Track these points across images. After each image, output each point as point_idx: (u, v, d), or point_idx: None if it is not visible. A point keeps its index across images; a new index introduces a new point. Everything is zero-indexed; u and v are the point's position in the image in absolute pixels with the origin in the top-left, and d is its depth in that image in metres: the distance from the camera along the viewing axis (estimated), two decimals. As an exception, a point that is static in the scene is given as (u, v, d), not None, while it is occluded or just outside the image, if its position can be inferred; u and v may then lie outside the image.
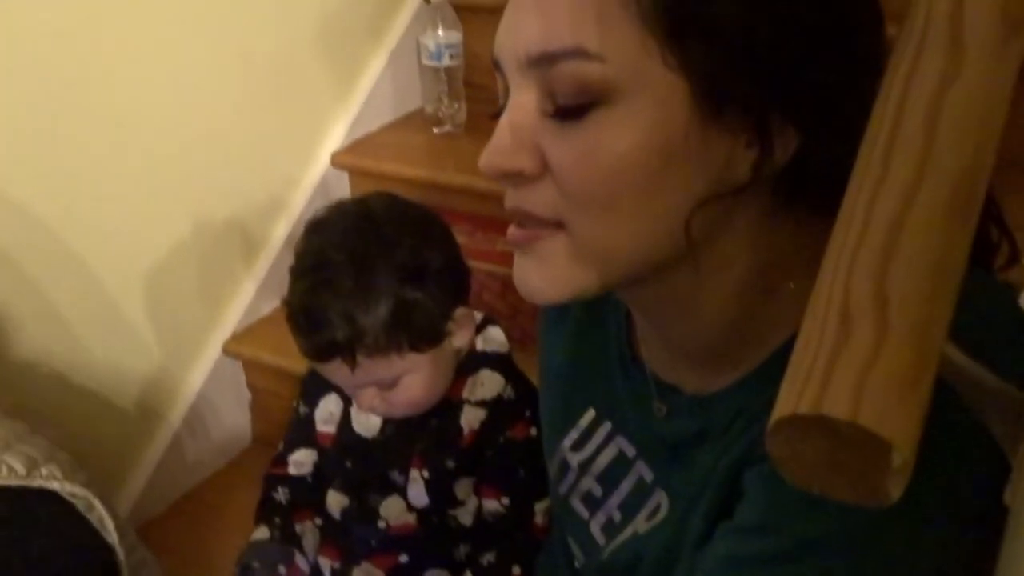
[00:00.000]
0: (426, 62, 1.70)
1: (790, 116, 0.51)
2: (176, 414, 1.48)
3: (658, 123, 0.50)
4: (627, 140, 0.51)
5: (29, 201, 1.20)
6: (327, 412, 1.12)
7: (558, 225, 0.54)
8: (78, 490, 0.88)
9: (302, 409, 1.14)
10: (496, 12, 1.80)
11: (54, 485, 0.86)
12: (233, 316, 1.54)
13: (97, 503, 0.90)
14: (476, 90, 1.74)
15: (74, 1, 1.20)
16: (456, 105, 1.73)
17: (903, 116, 0.40)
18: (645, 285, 0.58)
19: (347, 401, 1.10)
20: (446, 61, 1.68)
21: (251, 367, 1.59)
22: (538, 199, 0.54)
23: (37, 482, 0.85)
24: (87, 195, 1.27)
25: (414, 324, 0.96)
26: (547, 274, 0.56)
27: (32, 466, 0.85)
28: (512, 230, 0.57)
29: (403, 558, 1.08)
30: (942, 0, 0.42)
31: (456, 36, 1.69)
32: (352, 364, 0.95)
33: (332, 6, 1.62)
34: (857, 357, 0.34)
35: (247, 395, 1.63)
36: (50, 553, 0.84)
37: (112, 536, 0.91)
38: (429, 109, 1.78)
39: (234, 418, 1.62)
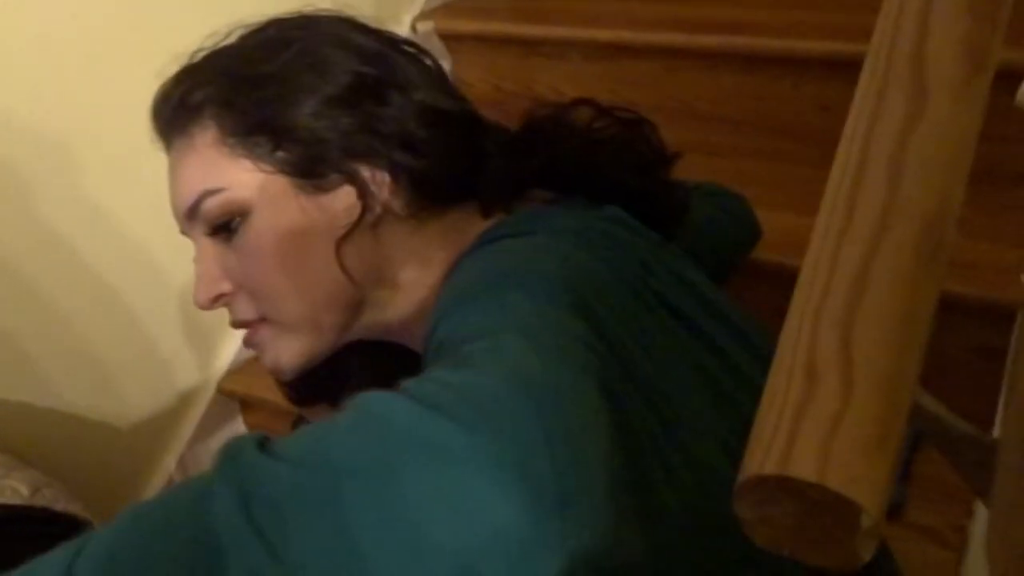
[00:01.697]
0: (415, 92, 1.71)
1: (372, 162, 0.67)
2: (171, 456, 1.47)
3: (281, 213, 0.66)
4: (266, 236, 0.67)
5: (18, 250, 1.20)
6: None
7: (262, 319, 0.70)
8: (80, 513, 0.88)
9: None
10: (484, 40, 1.80)
11: (59, 506, 0.86)
12: (228, 353, 1.53)
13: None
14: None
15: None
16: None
17: (866, 160, 0.39)
18: (362, 317, 0.71)
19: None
20: (435, 91, 1.68)
21: (247, 405, 1.58)
22: (242, 308, 0.70)
23: (40, 503, 0.85)
24: (81, 231, 1.27)
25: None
26: (274, 355, 0.71)
27: (35, 489, 0.85)
28: (243, 336, 0.73)
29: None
30: (904, 40, 0.41)
31: (444, 66, 1.68)
32: (336, 408, 0.95)
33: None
34: (823, 415, 0.33)
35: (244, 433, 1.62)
36: None
37: None
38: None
39: (232, 456, 1.60)
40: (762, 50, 1.38)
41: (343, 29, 0.72)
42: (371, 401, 0.46)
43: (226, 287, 0.70)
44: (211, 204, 0.67)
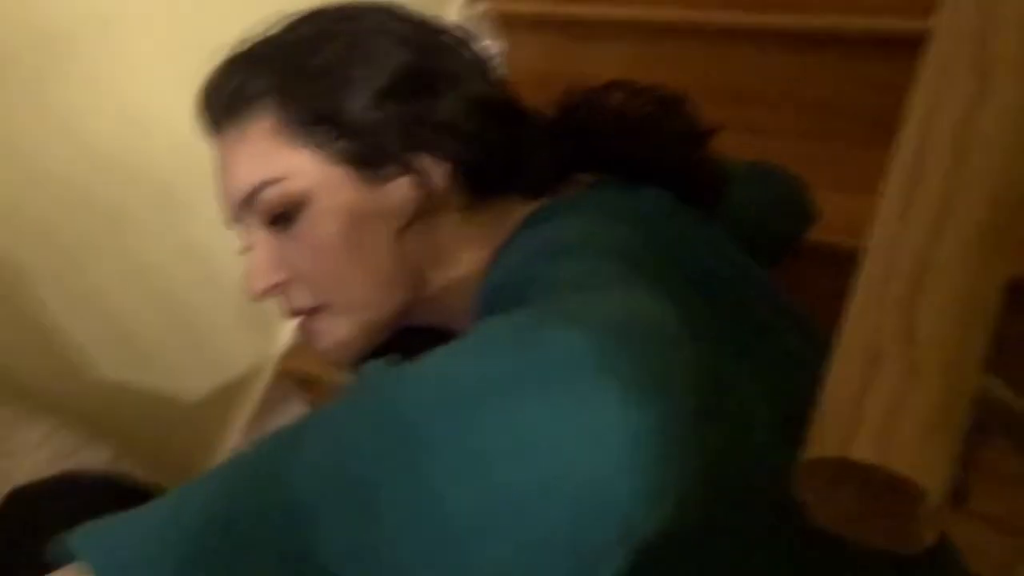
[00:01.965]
0: (467, 75, 1.71)
1: (428, 153, 0.68)
2: (234, 433, 1.51)
3: (341, 202, 0.67)
4: (328, 224, 0.67)
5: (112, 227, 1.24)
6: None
7: (320, 307, 0.70)
8: (154, 482, 0.90)
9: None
10: (536, 22, 1.78)
11: (137, 474, 0.88)
12: (288, 332, 1.56)
13: None
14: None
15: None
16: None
17: (929, 141, 0.38)
18: (419, 303, 0.71)
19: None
20: (487, 73, 1.68)
21: (307, 384, 1.61)
22: (298, 296, 0.71)
23: (120, 470, 0.87)
24: (155, 218, 1.30)
25: None
26: (332, 342, 0.71)
27: (114, 457, 0.88)
28: (296, 323, 0.73)
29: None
30: (966, 19, 0.41)
31: (496, 47, 1.68)
32: None
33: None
34: (886, 398, 0.33)
35: (305, 412, 1.65)
36: None
37: None
38: (472, 121, 1.77)
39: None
40: (816, 29, 1.36)
41: (390, 20, 0.72)
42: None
43: (281, 276, 0.71)
44: (269, 194, 0.68)
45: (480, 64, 0.74)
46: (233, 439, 1.51)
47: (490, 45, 1.67)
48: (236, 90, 0.70)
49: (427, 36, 0.72)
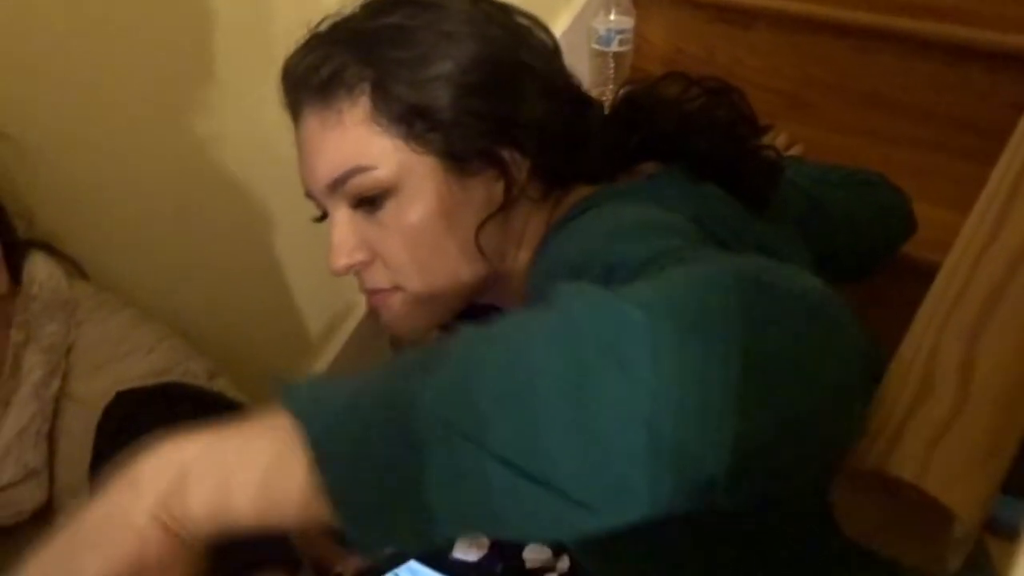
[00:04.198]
0: (594, 46, 1.70)
1: (513, 147, 0.70)
2: (318, 368, 1.57)
3: (429, 192, 0.69)
4: (415, 213, 0.70)
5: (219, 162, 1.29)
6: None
7: (396, 288, 0.73)
8: (248, 403, 0.93)
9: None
10: (672, 2, 1.72)
11: (231, 394, 0.91)
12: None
13: None
14: (644, 76, 1.72)
15: None
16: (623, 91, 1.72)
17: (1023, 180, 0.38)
18: (486, 286, 0.74)
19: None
20: (615, 46, 1.68)
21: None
22: (376, 276, 0.73)
23: (216, 387, 0.90)
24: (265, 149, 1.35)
25: None
26: (402, 320, 0.75)
27: (211, 375, 0.91)
28: (369, 300, 0.76)
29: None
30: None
31: (628, 22, 1.67)
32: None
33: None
34: (933, 419, 0.34)
35: (389, 354, 1.70)
36: None
37: None
38: (594, 94, 1.77)
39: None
40: (964, 40, 1.30)
41: (474, 7, 0.72)
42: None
43: (362, 256, 0.73)
44: (360, 180, 0.69)
45: (555, 51, 0.75)
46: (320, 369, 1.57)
47: (623, 20, 1.66)
48: (335, 73, 0.70)
49: (509, 24, 0.73)
